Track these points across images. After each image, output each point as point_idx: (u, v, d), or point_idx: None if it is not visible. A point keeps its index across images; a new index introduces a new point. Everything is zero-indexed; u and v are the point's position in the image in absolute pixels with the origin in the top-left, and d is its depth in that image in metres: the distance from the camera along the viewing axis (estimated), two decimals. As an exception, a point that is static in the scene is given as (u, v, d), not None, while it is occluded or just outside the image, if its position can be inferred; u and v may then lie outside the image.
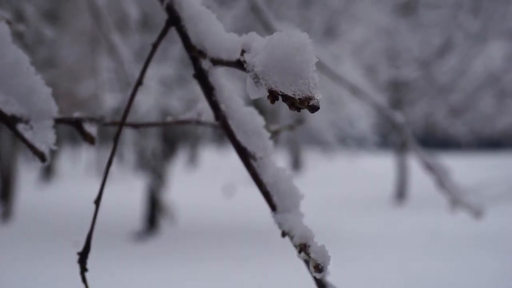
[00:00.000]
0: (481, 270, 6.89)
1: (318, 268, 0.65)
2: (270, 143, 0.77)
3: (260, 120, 0.77)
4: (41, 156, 0.70)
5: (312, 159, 25.22)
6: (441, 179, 1.74)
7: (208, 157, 28.58)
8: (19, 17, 6.19)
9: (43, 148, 0.71)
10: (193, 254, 8.01)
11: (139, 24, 7.91)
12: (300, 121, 1.07)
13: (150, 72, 6.98)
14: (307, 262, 0.68)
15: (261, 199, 0.77)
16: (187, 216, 9.96)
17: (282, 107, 7.89)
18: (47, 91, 0.74)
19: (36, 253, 7.75)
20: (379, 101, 2.00)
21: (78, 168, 24.07)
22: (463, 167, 12.06)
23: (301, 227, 0.69)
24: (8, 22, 0.89)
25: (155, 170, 7.81)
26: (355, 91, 1.99)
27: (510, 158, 22.28)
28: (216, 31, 0.73)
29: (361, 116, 10.29)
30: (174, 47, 8.31)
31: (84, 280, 0.71)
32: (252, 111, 0.77)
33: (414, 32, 11.20)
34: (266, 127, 0.80)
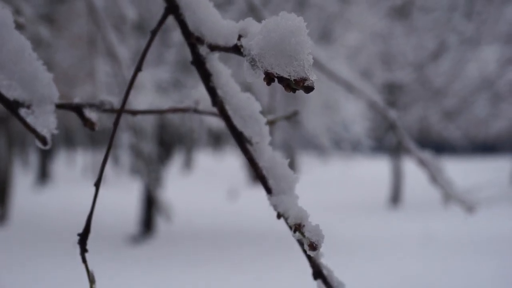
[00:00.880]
0: (475, 273, 6.92)
1: (312, 246, 0.67)
2: (266, 128, 0.79)
3: (256, 106, 0.78)
4: (43, 140, 0.71)
5: (307, 163, 25.27)
6: (434, 174, 1.77)
7: (203, 160, 28.59)
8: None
9: (45, 132, 0.72)
10: (189, 257, 8.01)
11: (134, 28, 7.92)
12: (295, 113, 1.09)
13: (146, 76, 6.99)
14: (301, 242, 0.70)
15: (258, 203, 0.79)
16: (183, 219, 9.95)
17: (281, 107, 7.90)
18: (48, 76, 0.76)
19: (32, 256, 7.73)
20: (374, 98, 2.03)
21: (73, 172, 24.03)
22: (458, 171, 12.10)
23: (296, 208, 0.71)
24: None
25: (151, 173, 7.81)
26: (350, 88, 2.01)
27: (504, 162, 22.36)
28: (213, 19, 0.75)
29: (356, 120, 10.33)
30: (170, 51, 8.33)
31: (84, 260, 0.73)
32: (249, 97, 0.79)
33: (409, 36, 11.25)
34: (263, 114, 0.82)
